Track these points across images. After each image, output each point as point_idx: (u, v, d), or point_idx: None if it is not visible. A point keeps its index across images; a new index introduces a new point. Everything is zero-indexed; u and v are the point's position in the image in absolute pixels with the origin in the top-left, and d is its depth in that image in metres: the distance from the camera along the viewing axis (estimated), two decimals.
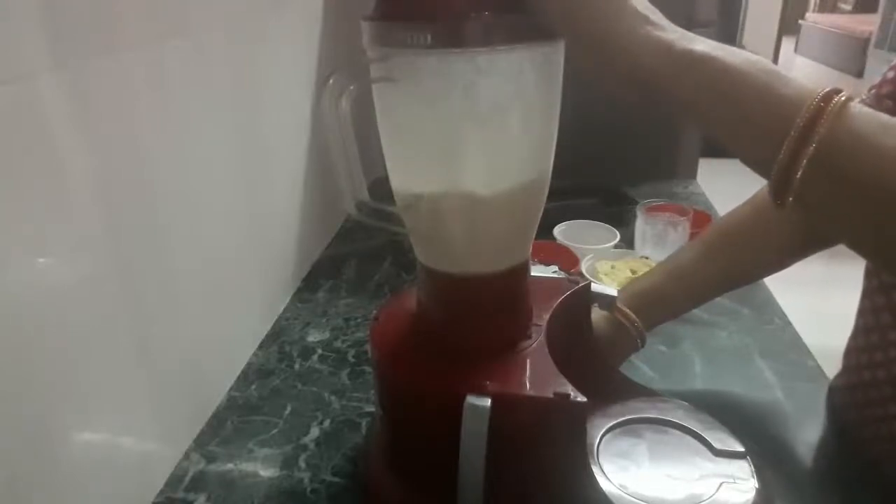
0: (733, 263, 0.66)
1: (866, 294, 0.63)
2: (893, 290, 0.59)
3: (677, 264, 0.66)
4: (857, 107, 0.33)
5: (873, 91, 0.61)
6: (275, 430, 0.66)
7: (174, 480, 0.60)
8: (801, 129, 0.33)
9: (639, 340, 0.62)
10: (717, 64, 0.35)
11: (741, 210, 0.67)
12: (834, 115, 0.32)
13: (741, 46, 0.38)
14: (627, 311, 0.62)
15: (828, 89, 0.33)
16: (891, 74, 0.59)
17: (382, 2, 0.42)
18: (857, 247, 0.36)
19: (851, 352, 0.65)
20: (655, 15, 0.37)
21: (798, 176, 0.33)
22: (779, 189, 0.34)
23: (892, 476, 0.59)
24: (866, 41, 3.87)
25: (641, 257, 0.88)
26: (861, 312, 0.64)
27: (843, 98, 0.33)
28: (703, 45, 0.36)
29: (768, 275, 0.69)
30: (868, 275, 0.63)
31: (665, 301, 0.64)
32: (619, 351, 0.64)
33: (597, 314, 0.62)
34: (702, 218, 1.00)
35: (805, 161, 0.33)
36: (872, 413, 0.62)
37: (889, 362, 0.60)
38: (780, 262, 0.66)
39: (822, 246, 0.64)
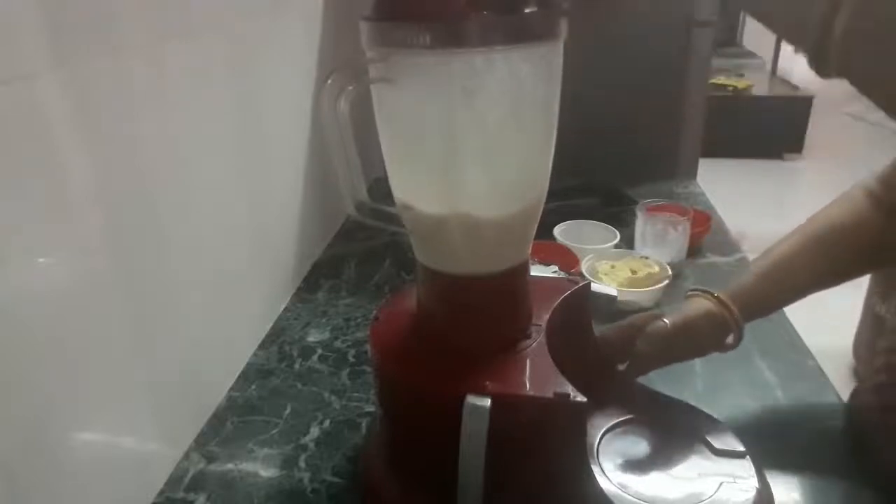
0: (836, 260, 0.61)
1: None
2: None
3: (777, 257, 0.61)
4: None
5: None
6: (275, 430, 0.66)
7: (174, 480, 0.60)
8: None
9: (731, 339, 0.60)
10: None
11: (847, 203, 0.61)
12: None
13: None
14: (734, 308, 0.59)
15: None
16: None
17: (381, 2, 0.42)
18: None
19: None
20: None
21: (836, 41, 0.31)
22: (819, 60, 0.32)
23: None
24: None
25: (641, 257, 0.88)
26: None
27: None
28: None
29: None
30: None
31: (766, 295, 0.61)
32: (705, 348, 0.61)
33: (698, 307, 0.59)
34: (702, 218, 1.00)
35: (846, 20, 0.30)
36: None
37: None
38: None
39: None
